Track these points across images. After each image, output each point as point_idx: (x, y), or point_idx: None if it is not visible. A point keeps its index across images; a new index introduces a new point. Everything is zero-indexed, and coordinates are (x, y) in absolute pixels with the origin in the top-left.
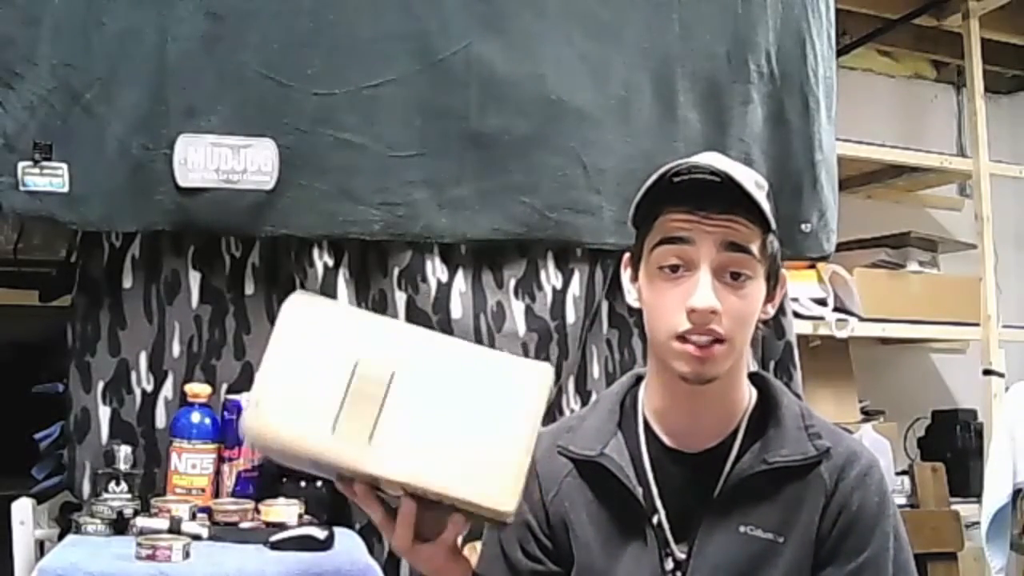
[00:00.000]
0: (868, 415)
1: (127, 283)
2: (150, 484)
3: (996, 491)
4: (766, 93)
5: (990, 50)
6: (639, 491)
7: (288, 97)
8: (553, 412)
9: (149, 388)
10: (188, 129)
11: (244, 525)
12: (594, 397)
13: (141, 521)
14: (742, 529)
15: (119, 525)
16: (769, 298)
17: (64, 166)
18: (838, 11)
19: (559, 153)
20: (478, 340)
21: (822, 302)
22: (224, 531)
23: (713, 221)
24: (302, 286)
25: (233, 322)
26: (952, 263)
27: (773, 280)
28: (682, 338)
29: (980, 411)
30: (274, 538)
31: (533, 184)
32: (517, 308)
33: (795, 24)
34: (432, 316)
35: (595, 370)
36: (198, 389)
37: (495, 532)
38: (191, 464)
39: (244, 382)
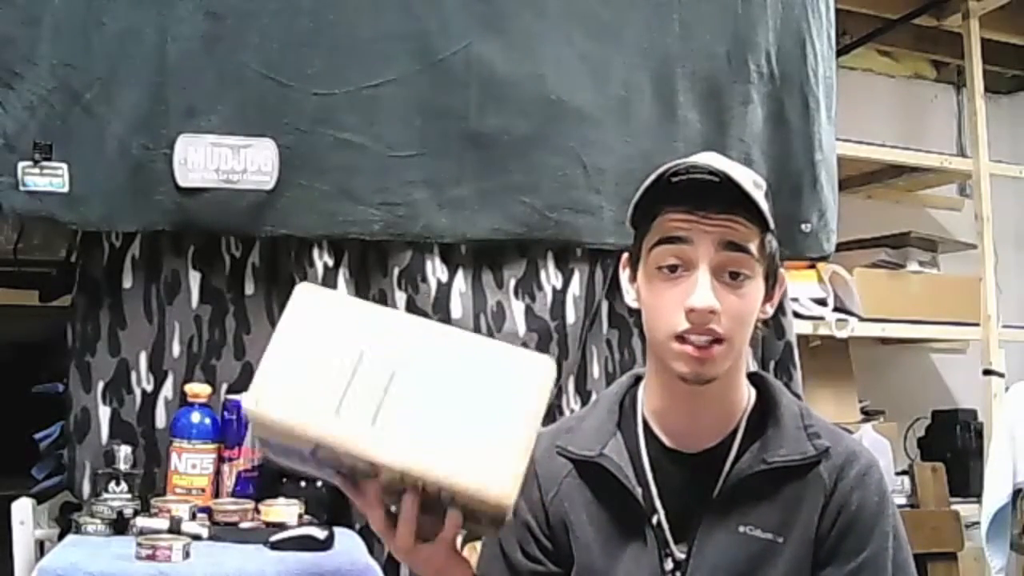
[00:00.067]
0: (868, 415)
1: (127, 283)
2: (150, 484)
3: (996, 491)
4: (766, 93)
5: (990, 50)
6: (638, 491)
7: (288, 97)
8: (553, 412)
9: (149, 388)
10: (188, 129)
11: (244, 525)
12: (594, 397)
13: (141, 521)
14: (741, 529)
15: (119, 525)
16: (768, 298)
17: (64, 166)
18: (838, 11)
19: (559, 153)
20: None
21: (822, 302)
22: (224, 531)
23: (712, 221)
24: None
25: (233, 322)
26: (952, 263)
27: (772, 280)
28: (681, 338)
29: (980, 411)
30: (274, 538)
31: (533, 184)
32: (517, 308)
33: (795, 24)
34: (432, 316)
35: (595, 370)
36: (198, 389)
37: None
38: (191, 464)
39: (244, 382)
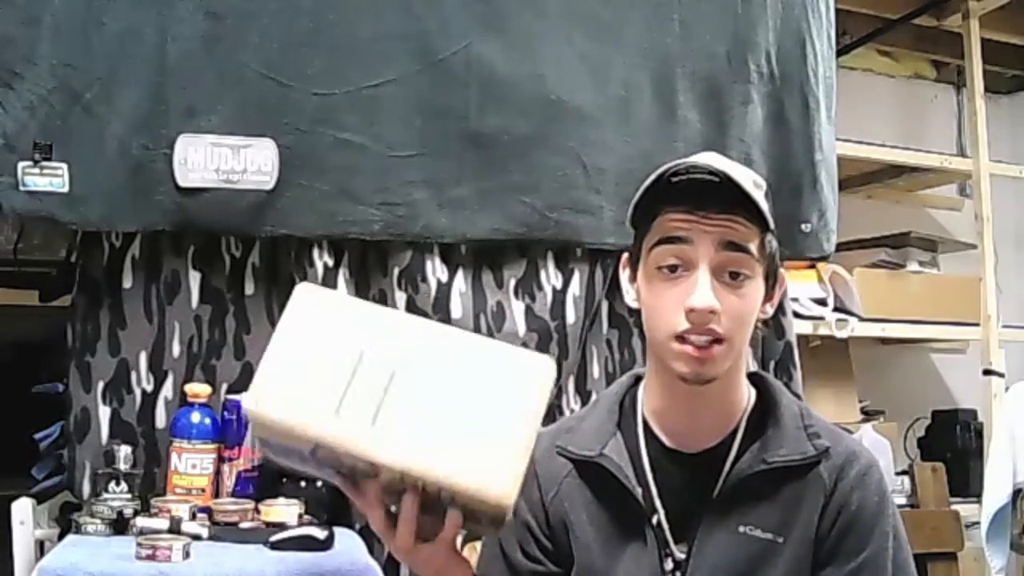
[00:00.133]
0: (868, 415)
1: (127, 283)
2: (150, 484)
3: (996, 491)
4: (766, 93)
5: (990, 50)
6: (638, 491)
7: (288, 97)
8: (553, 412)
9: (149, 388)
10: (188, 129)
11: (244, 525)
12: (594, 397)
13: (141, 521)
14: (741, 529)
15: (119, 525)
16: (768, 298)
17: (64, 166)
18: (838, 11)
19: (559, 153)
20: None
21: (822, 302)
22: (224, 531)
23: (712, 221)
24: None
25: (233, 322)
26: (952, 263)
27: (772, 280)
28: (681, 338)
29: (980, 411)
30: (274, 538)
31: (533, 184)
32: (517, 308)
33: (795, 24)
34: (432, 316)
35: (595, 370)
36: (198, 389)
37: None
38: (191, 464)
39: (244, 382)
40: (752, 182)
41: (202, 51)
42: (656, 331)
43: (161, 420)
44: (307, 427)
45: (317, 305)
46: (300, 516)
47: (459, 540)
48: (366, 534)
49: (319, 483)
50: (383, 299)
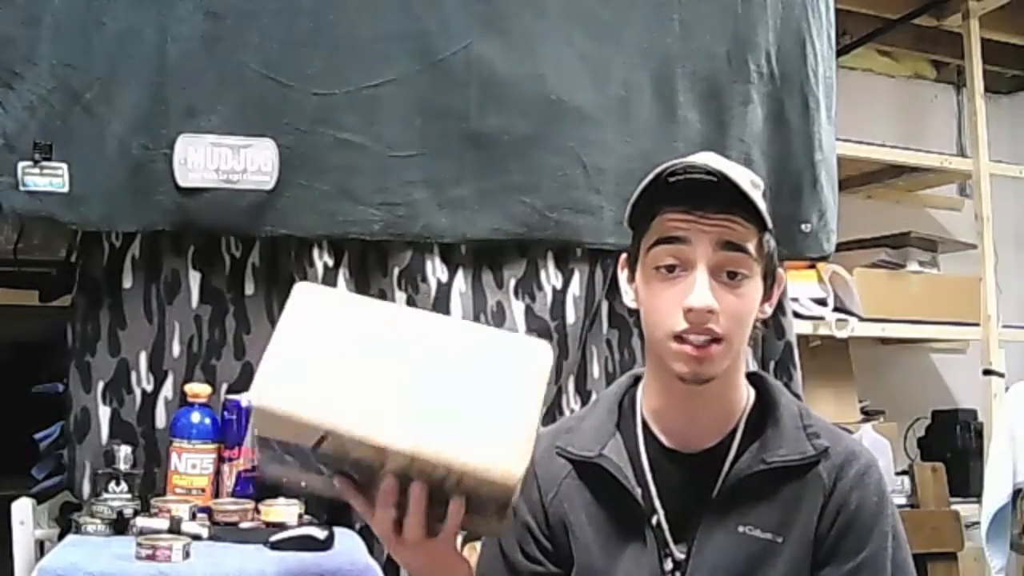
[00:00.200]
0: (868, 415)
1: (127, 283)
2: (150, 484)
3: (996, 491)
4: (766, 93)
5: (990, 50)
6: (638, 492)
7: (288, 97)
8: (553, 412)
9: (149, 388)
10: (188, 129)
11: (244, 525)
12: (594, 397)
13: (141, 521)
14: (741, 529)
15: (119, 525)
16: (766, 297)
17: (64, 166)
18: (838, 11)
19: (559, 153)
20: None
21: (822, 302)
22: (224, 531)
23: (709, 220)
24: None
25: (233, 322)
26: (952, 263)
27: (770, 279)
28: (679, 338)
29: (980, 411)
30: (274, 538)
31: (533, 184)
32: (517, 308)
33: (795, 24)
34: None
35: (595, 370)
36: (198, 389)
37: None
38: (191, 464)
39: (244, 382)
40: (750, 182)
41: (202, 51)
42: (654, 331)
43: (161, 420)
44: (315, 415)
45: (317, 301)
46: (300, 516)
47: (459, 540)
48: (366, 534)
49: None
50: (383, 299)
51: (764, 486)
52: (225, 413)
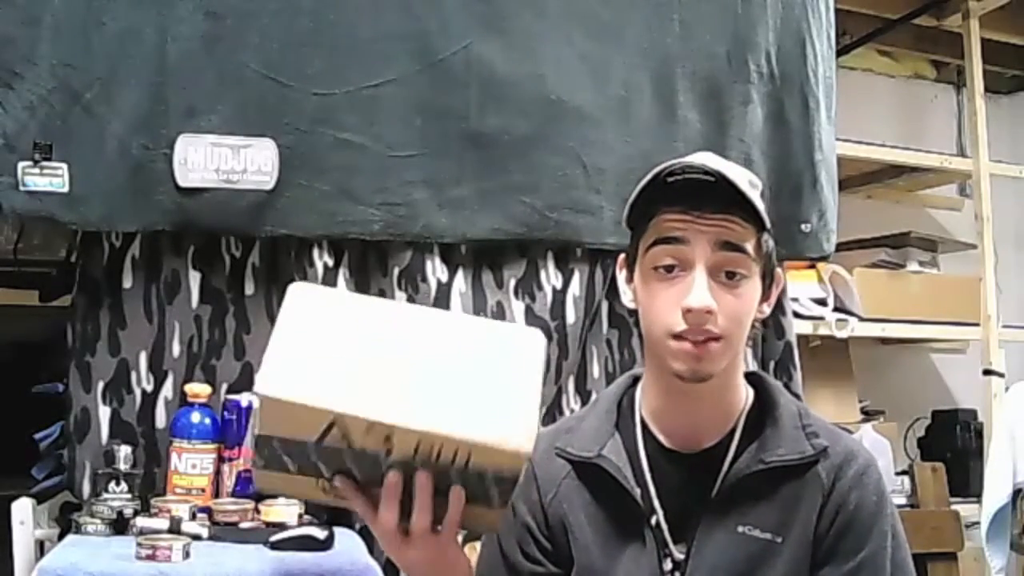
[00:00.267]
0: (868, 415)
1: (127, 283)
2: (150, 484)
3: (996, 491)
4: (766, 93)
5: (990, 50)
6: (637, 492)
7: (288, 97)
8: (553, 412)
9: (149, 388)
10: (188, 129)
11: (244, 525)
12: (593, 397)
13: (141, 521)
14: (740, 529)
15: (119, 525)
16: (765, 297)
17: (64, 166)
18: (838, 11)
19: (559, 153)
20: None
21: (822, 302)
22: (224, 531)
23: (708, 221)
24: None
25: (233, 322)
26: (952, 263)
27: (769, 279)
28: (678, 336)
29: (980, 411)
30: (274, 538)
31: (533, 184)
32: (517, 308)
33: (795, 24)
34: None
35: (595, 370)
36: (198, 389)
37: (494, 534)
38: (191, 464)
39: (244, 382)
40: (748, 182)
41: (202, 51)
42: (653, 330)
43: (161, 420)
44: (323, 400)
45: (314, 299)
46: (300, 516)
47: (459, 539)
48: (366, 534)
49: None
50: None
51: (763, 486)
52: (225, 413)
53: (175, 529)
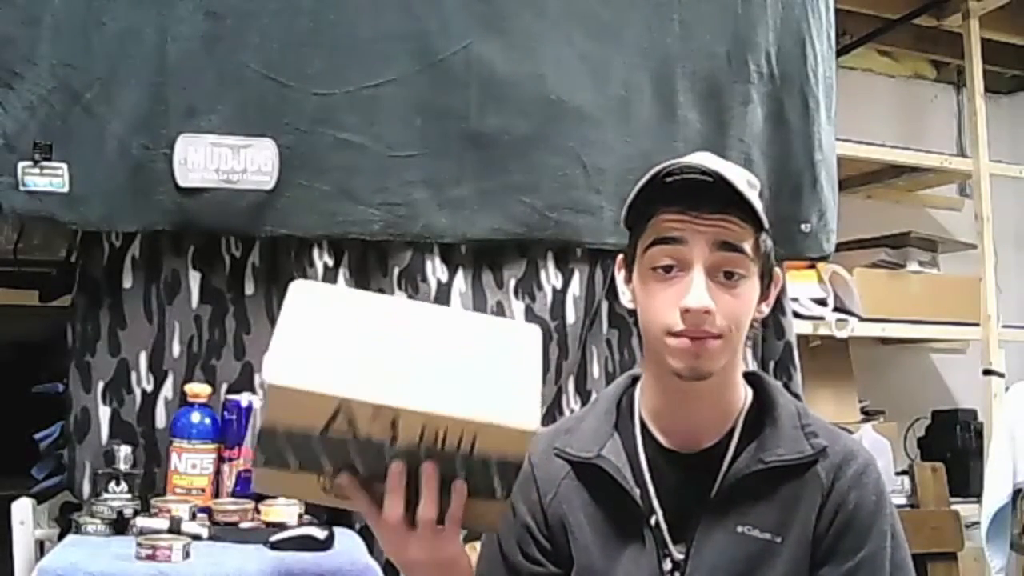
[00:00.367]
0: (868, 415)
1: (127, 283)
2: (150, 484)
3: (996, 491)
4: (766, 93)
5: (990, 50)
6: (636, 492)
7: (288, 97)
8: (553, 412)
9: (149, 388)
10: (188, 129)
11: (244, 525)
12: (593, 398)
13: (141, 521)
14: (740, 529)
15: (119, 525)
16: (763, 297)
17: (64, 166)
18: (838, 11)
19: (559, 153)
20: None
21: (822, 302)
22: (224, 531)
23: (706, 221)
24: None
25: (233, 322)
26: (952, 263)
27: (767, 279)
28: (676, 333)
29: (980, 411)
30: (274, 538)
31: (533, 184)
32: (517, 308)
33: (795, 24)
34: None
35: (595, 370)
36: (198, 389)
37: (493, 534)
38: (191, 464)
39: (244, 382)
40: (746, 182)
41: (202, 51)
42: (651, 330)
43: (161, 420)
44: (329, 387)
45: (315, 295)
46: (300, 516)
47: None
48: (366, 534)
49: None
50: None
51: (762, 486)
52: (225, 413)
53: (175, 529)
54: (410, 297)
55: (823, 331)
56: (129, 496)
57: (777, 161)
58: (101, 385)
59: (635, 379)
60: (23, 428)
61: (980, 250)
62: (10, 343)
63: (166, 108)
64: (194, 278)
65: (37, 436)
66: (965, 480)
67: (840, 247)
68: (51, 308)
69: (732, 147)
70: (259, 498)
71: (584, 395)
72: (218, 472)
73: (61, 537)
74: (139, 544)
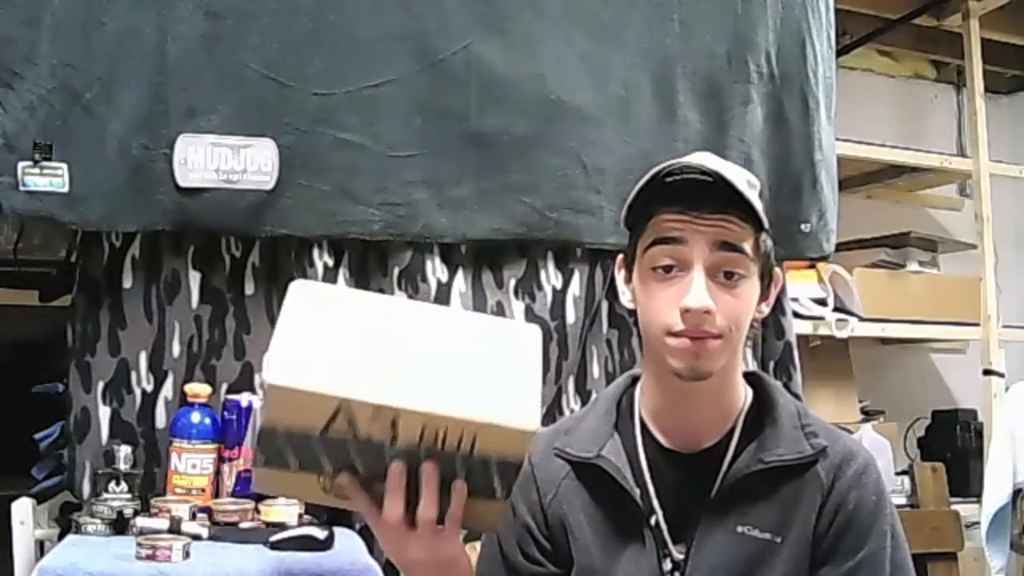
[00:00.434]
0: (868, 415)
1: (127, 283)
2: (150, 484)
3: (996, 491)
4: (766, 93)
5: (990, 50)
6: (636, 492)
7: (288, 97)
8: (553, 412)
9: (149, 388)
10: (188, 129)
11: (244, 525)
12: (593, 398)
13: (141, 521)
14: (740, 529)
15: (119, 525)
16: (763, 297)
17: (64, 166)
18: (838, 11)
19: (559, 153)
20: None
21: (822, 302)
22: (224, 531)
23: (706, 221)
24: None
25: (233, 322)
26: (952, 263)
27: (767, 279)
28: (676, 333)
29: (980, 411)
30: (274, 538)
31: (533, 184)
32: (517, 308)
33: (795, 24)
34: None
35: (595, 370)
36: (198, 389)
37: (493, 534)
38: (191, 464)
39: (244, 382)
40: (746, 182)
41: (202, 51)
42: (651, 330)
43: (161, 420)
44: (330, 387)
45: (316, 294)
46: (300, 516)
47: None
48: (366, 534)
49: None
50: None
51: (762, 486)
52: (225, 413)
53: (175, 529)
54: (410, 297)
55: (823, 331)
56: (129, 496)
57: (777, 161)
58: (101, 385)
59: (635, 379)
60: (23, 428)
61: (980, 250)
62: (10, 343)
63: (166, 108)
64: (194, 278)
65: (37, 436)
66: (965, 480)
67: (840, 247)
68: (51, 308)
69: (732, 147)
70: (259, 498)
71: (584, 395)
72: (218, 472)
73: (61, 537)
74: (139, 544)
